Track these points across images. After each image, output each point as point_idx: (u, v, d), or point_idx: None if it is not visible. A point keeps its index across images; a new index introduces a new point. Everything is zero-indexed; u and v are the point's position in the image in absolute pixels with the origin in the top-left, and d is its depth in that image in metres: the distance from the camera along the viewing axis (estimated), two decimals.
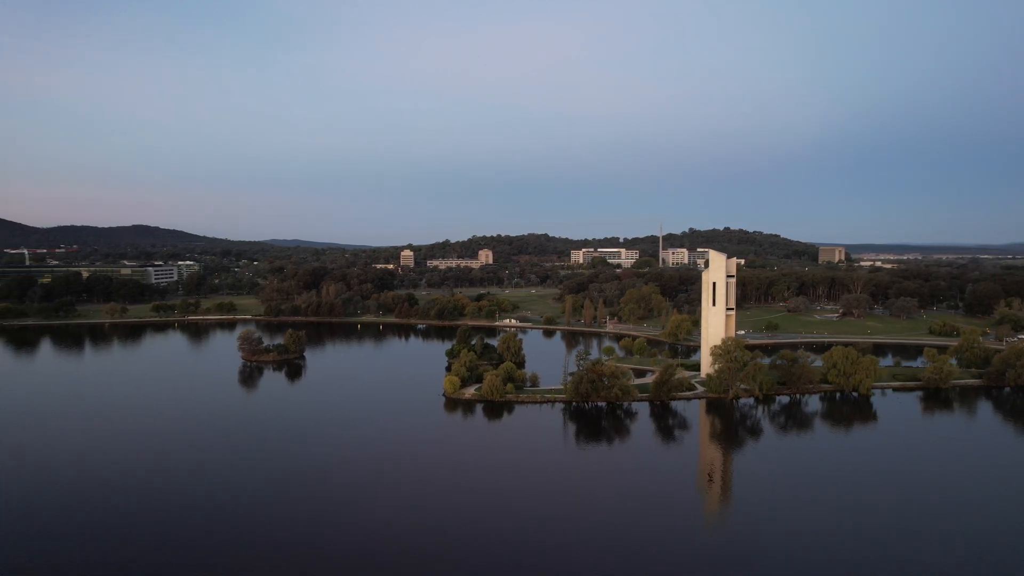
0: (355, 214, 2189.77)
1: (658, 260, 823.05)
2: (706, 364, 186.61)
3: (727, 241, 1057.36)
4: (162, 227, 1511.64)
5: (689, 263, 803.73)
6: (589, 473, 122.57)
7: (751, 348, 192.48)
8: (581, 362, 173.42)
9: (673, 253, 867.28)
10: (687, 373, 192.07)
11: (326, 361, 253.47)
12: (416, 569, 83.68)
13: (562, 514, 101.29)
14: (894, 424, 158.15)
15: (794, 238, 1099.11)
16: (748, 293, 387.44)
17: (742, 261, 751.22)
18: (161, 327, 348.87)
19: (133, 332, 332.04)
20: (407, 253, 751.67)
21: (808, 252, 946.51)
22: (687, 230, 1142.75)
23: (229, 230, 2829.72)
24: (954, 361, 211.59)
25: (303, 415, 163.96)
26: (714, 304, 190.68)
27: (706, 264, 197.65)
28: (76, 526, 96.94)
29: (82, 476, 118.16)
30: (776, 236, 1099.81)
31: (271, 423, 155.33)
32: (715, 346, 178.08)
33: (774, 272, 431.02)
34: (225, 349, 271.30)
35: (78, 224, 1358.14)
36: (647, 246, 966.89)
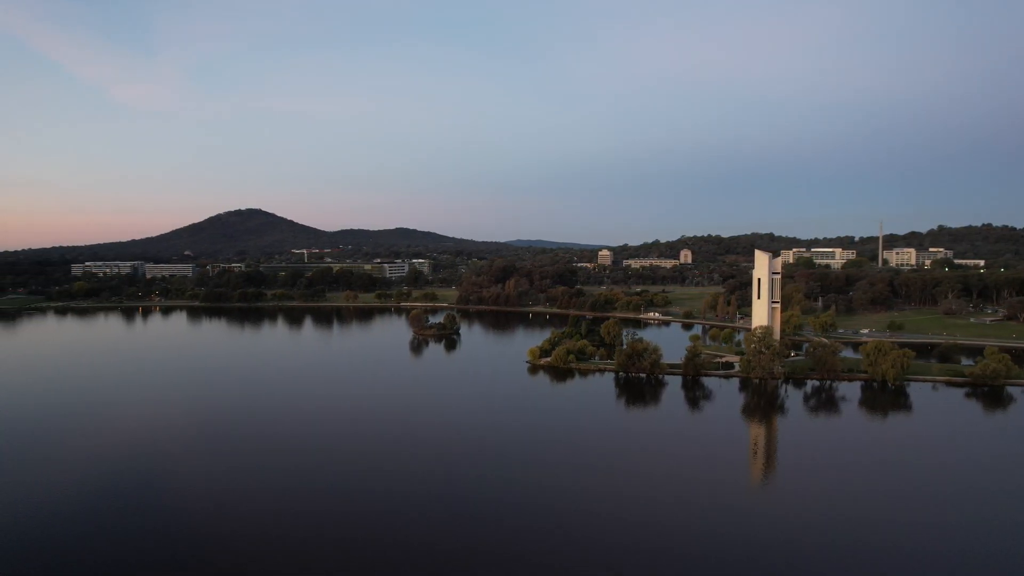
0: (590, 215, 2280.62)
1: (878, 260, 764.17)
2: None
3: (982, 239, 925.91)
4: (419, 229, 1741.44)
5: (916, 264, 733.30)
6: (607, 416, 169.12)
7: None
8: (628, 339, 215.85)
9: (897, 253, 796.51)
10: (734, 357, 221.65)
11: (476, 337, 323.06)
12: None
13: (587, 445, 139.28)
14: (919, 412, 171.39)
15: None
16: (911, 294, 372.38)
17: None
18: (382, 311, 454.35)
19: (364, 313, 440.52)
20: (604, 253, 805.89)
21: None
22: (935, 227, 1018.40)
23: (476, 231, 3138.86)
24: None
25: (428, 366, 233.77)
26: (759, 297, 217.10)
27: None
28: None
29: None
30: None
31: (409, 372, 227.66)
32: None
33: (943, 273, 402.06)
34: (408, 327, 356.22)
35: (355, 228, 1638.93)
36: (877, 245, 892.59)
